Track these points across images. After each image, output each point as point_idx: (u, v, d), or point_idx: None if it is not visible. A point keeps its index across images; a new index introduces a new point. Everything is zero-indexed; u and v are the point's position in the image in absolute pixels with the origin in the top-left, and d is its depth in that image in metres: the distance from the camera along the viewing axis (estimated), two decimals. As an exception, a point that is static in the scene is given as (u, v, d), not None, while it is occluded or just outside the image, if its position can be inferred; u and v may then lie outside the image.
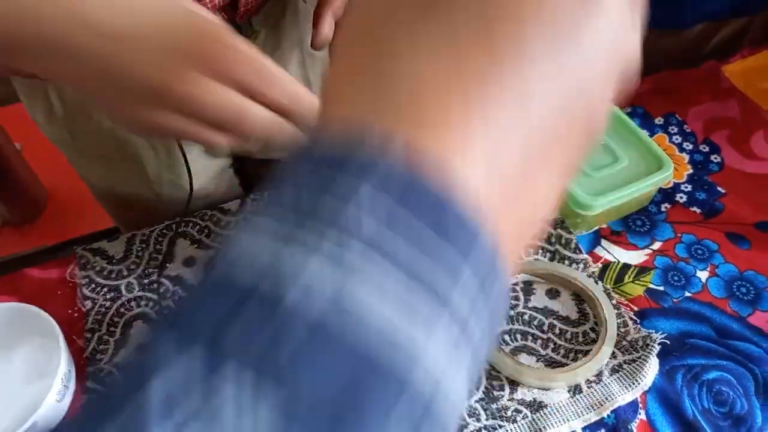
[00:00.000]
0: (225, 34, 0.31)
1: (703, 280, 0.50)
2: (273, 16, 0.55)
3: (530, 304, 0.49)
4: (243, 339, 0.13)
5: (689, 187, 0.56)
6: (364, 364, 0.13)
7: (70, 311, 0.51)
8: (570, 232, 0.52)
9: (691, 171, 0.57)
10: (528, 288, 0.50)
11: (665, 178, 0.51)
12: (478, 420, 0.43)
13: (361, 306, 0.13)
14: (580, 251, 0.51)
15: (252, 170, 0.66)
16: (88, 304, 0.51)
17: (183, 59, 0.30)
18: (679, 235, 0.53)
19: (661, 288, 0.50)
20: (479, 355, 0.16)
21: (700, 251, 0.52)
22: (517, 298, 0.49)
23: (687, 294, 0.49)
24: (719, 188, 0.55)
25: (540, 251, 0.52)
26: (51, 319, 0.44)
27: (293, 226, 0.14)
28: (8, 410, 0.43)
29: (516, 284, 0.50)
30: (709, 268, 0.51)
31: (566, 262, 0.51)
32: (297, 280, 0.13)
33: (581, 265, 0.51)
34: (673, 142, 0.60)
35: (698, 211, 0.54)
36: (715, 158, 0.58)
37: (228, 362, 0.12)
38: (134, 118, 0.32)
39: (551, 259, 0.51)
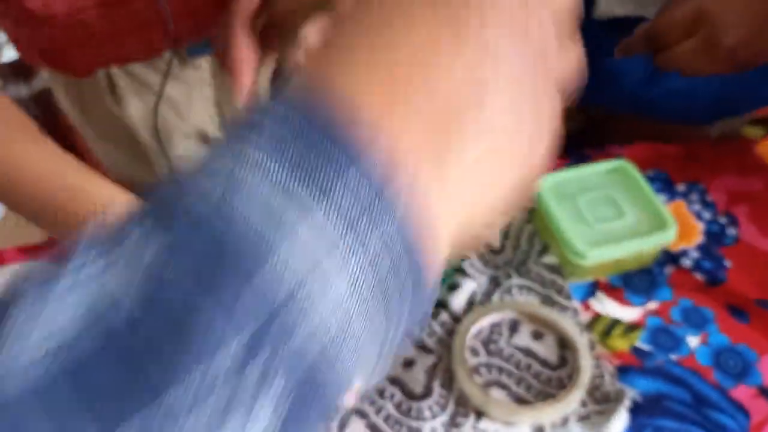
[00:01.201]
0: None
1: (692, 346, 0.50)
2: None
3: (512, 342, 0.50)
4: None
5: (697, 255, 0.56)
6: (218, 250, 0.16)
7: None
8: (564, 279, 0.53)
9: (703, 240, 0.57)
10: (513, 326, 0.51)
11: (666, 238, 0.52)
12: (438, 441, 0.45)
13: (231, 209, 0.16)
14: (571, 299, 0.52)
15: None
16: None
17: None
18: (677, 298, 0.53)
19: (648, 347, 0.50)
20: (384, 273, 0.17)
21: (695, 317, 0.52)
22: (500, 334, 0.51)
23: (672, 357, 0.49)
24: (726, 261, 0.55)
25: (532, 293, 0.53)
26: None
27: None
28: None
29: (502, 321, 0.52)
30: (700, 336, 0.50)
31: (556, 307, 0.52)
32: (196, 188, 0.17)
33: (570, 313, 0.52)
34: (692, 210, 0.60)
35: (701, 278, 0.54)
36: (731, 231, 0.58)
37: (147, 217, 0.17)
38: None
39: (542, 303, 0.52)
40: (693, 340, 0.50)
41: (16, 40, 0.60)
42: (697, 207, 0.60)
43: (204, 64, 0.64)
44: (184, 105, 0.65)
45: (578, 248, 0.51)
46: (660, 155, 0.64)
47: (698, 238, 0.57)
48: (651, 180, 0.62)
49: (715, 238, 0.57)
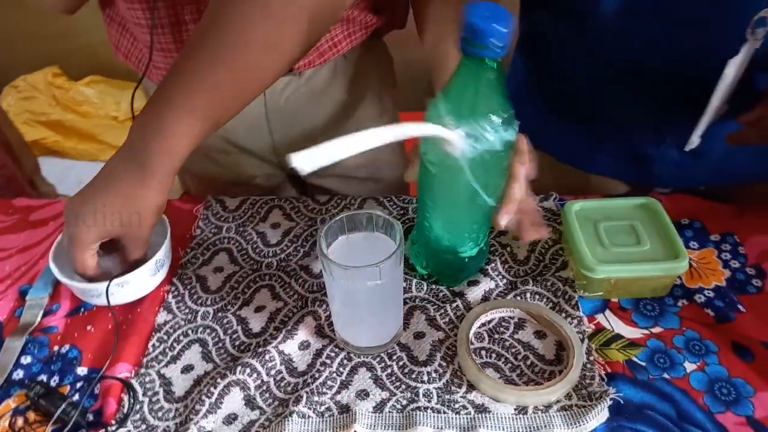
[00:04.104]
0: None
1: (688, 370, 0.52)
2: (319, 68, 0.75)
3: (516, 336, 0.56)
4: None
5: (712, 294, 0.58)
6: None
7: (186, 233, 0.69)
8: (575, 292, 0.58)
9: (723, 283, 0.59)
10: (520, 323, 0.57)
11: (676, 268, 0.55)
12: (429, 401, 0.51)
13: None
14: (578, 309, 0.57)
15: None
16: (198, 231, 0.69)
17: None
18: (684, 329, 0.56)
19: (643, 364, 0.53)
20: None
21: (697, 347, 0.54)
22: (507, 328, 0.56)
23: (666, 375, 0.52)
24: (741, 306, 0.57)
25: (544, 299, 0.58)
26: (167, 221, 0.62)
27: None
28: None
29: (511, 317, 0.57)
30: (699, 363, 0.53)
31: (563, 314, 0.57)
32: None
33: (575, 321, 0.56)
34: (720, 258, 0.62)
35: (711, 314, 0.56)
36: (757, 283, 0.60)
37: None
38: None
39: (551, 309, 0.57)
40: (690, 366, 0.53)
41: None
42: (726, 256, 0.62)
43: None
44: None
45: (588, 262, 0.56)
46: (702, 208, 0.68)
47: (717, 281, 0.60)
48: (685, 227, 0.65)
49: (736, 285, 0.59)
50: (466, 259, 0.58)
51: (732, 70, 0.53)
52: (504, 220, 0.52)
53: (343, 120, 0.80)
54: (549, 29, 0.68)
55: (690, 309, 0.57)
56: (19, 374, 0.55)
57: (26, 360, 0.56)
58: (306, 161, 0.36)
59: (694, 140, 0.59)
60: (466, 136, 0.45)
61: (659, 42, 0.57)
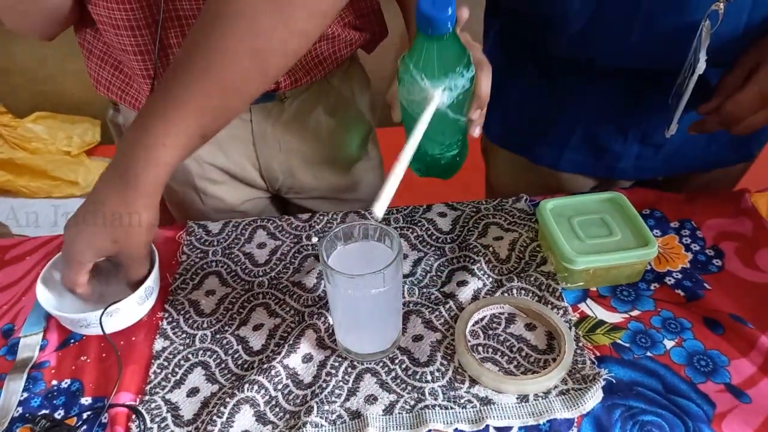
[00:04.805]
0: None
1: (668, 347, 0.57)
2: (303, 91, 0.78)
3: (508, 330, 0.59)
4: None
5: (680, 276, 0.63)
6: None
7: (172, 260, 0.69)
8: (557, 284, 0.62)
9: (687, 265, 0.65)
10: (511, 318, 0.60)
11: (648, 254, 0.60)
12: (435, 399, 0.53)
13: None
14: (563, 300, 0.61)
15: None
16: (184, 257, 0.69)
17: None
18: (659, 310, 0.60)
19: (627, 345, 0.57)
20: None
21: (673, 325, 0.59)
22: (499, 323, 0.59)
23: (649, 354, 0.56)
24: (707, 284, 0.62)
25: (529, 293, 0.62)
26: (155, 249, 0.62)
27: None
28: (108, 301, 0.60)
29: (501, 313, 0.60)
30: (677, 340, 0.57)
31: (549, 306, 0.60)
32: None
33: (561, 311, 0.60)
34: (682, 243, 0.68)
35: (682, 294, 0.61)
36: (717, 262, 0.65)
37: None
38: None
39: (537, 302, 0.61)
40: (669, 343, 0.57)
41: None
42: (687, 240, 0.68)
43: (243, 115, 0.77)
44: (224, 141, 0.79)
45: (568, 255, 0.59)
46: (659, 199, 0.73)
47: (683, 263, 0.65)
48: (647, 217, 0.71)
49: (699, 265, 0.65)
50: (457, 158, 0.65)
51: (703, 56, 0.58)
52: (477, 132, 0.63)
53: (327, 142, 0.82)
54: (515, 33, 0.73)
55: (662, 291, 0.62)
56: (18, 410, 0.54)
57: (23, 396, 0.55)
58: (381, 209, 0.49)
59: (673, 128, 0.65)
60: (442, 91, 0.54)
61: (624, 40, 0.63)
